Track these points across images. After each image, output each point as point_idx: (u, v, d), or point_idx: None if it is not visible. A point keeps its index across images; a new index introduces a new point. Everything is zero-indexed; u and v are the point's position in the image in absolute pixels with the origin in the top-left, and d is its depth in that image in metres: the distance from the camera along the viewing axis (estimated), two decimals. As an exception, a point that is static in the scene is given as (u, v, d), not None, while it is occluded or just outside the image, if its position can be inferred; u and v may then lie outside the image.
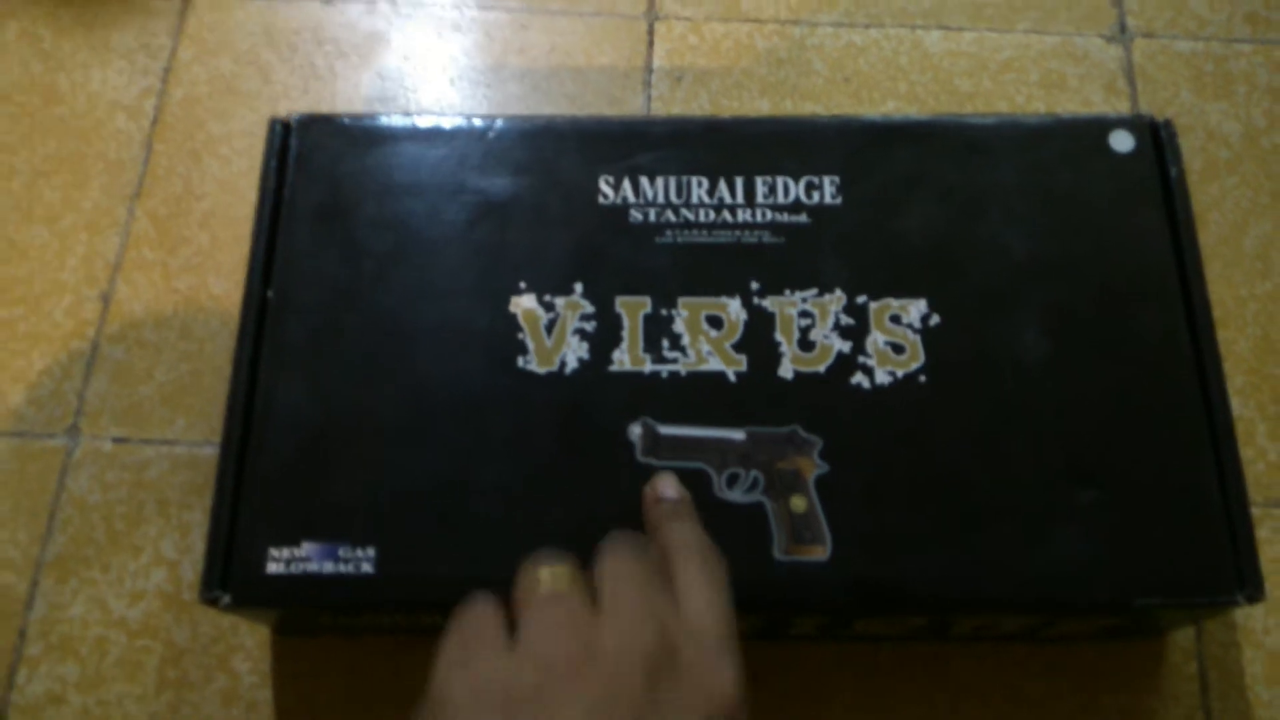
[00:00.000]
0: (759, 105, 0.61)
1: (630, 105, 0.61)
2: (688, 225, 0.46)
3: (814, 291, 0.45)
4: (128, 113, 0.60)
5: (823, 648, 0.48)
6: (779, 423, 0.42)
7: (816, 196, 0.46)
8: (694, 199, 0.46)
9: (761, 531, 0.41)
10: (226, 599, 0.40)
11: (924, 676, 0.48)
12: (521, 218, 0.46)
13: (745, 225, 0.46)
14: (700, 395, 0.43)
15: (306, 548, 0.41)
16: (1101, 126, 0.48)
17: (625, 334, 0.44)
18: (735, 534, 0.41)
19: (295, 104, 0.60)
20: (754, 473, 0.42)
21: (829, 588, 0.40)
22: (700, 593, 0.34)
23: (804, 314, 0.44)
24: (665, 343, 0.44)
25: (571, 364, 0.43)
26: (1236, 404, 0.53)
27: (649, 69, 0.62)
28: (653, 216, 0.46)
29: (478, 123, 0.48)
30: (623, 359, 0.44)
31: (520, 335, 0.44)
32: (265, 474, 0.42)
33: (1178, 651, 0.48)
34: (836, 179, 0.47)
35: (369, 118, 0.48)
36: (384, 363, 0.43)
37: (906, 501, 0.41)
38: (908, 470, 0.42)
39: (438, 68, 0.62)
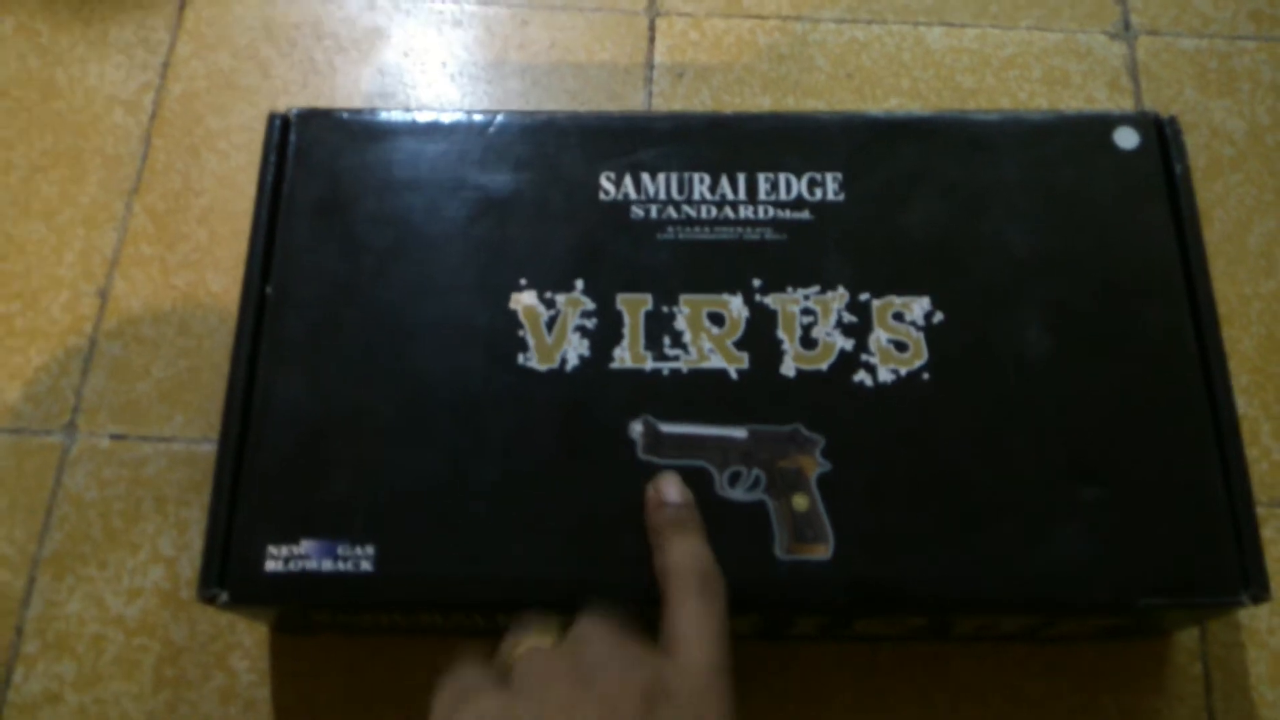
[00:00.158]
0: (761, 101, 0.60)
1: (631, 101, 0.60)
2: (689, 222, 0.46)
3: (816, 289, 0.44)
4: (126, 108, 0.60)
5: (823, 648, 0.48)
6: (781, 421, 0.42)
7: (819, 193, 0.46)
8: (696, 195, 0.46)
9: (763, 530, 0.41)
10: (224, 597, 0.40)
11: (924, 677, 0.48)
12: (522, 214, 0.46)
13: (747, 222, 0.46)
14: (702, 393, 0.43)
15: (305, 545, 0.40)
16: (1106, 123, 0.47)
17: (626, 331, 0.44)
18: (737, 533, 0.40)
19: (294, 99, 0.60)
20: (756, 471, 0.41)
21: (831, 587, 0.40)
22: (692, 626, 0.35)
23: (806, 311, 0.44)
24: (666, 340, 0.43)
25: (572, 361, 0.43)
26: (1241, 403, 0.52)
27: (650, 65, 0.61)
28: (654, 213, 0.46)
29: (478, 118, 0.48)
30: (624, 356, 0.43)
31: (521, 332, 0.44)
32: (264, 471, 0.41)
33: (1182, 652, 0.48)
34: (839, 175, 0.46)
35: (369, 113, 0.48)
36: (383, 359, 0.43)
37: (909, 500, 0.41)
38: (910, 469, 0.42)
39: (438, 63, 0.62)
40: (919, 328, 0.44)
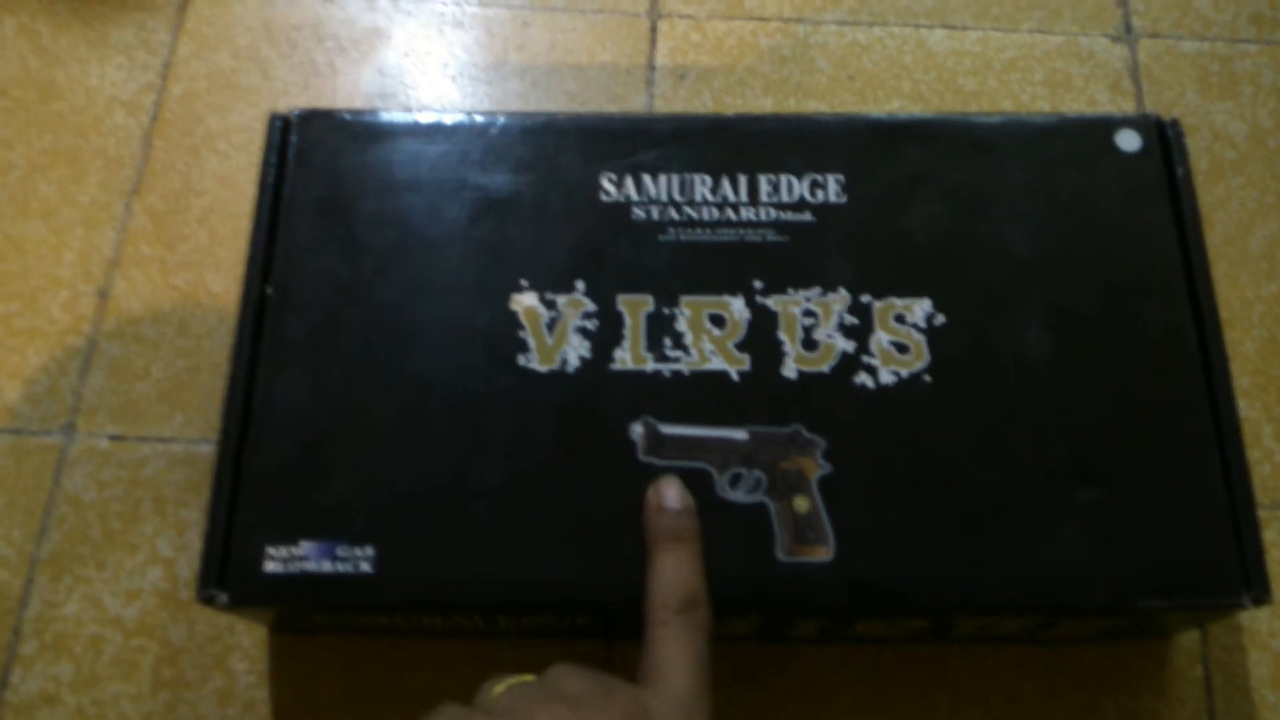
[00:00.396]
0: (762, 103, 0.60)
1: (632, 103, 0.60)
2: (690, 223, 0.45)
3: (818, 290, 0.44)
4: (126, 108, 0.60)
5: (823, 649, 0.48)
6: (782, 422, 0.42)
7: (820, 195, 0.46)
8: (697, 197, 0.46)
9: (764, 532, 0.41)
10: (223, 598, 0.40)
11: (924, 678, 0.48)
12: (523, 215, 0.46)
13: (748, 224, 0.45)
14: (703, 395, 0.43)
15: (304, 546, 0.40)
16: (1108, 126, 0.47)
17: (627, 332, 0.44)
18: (738, 534, 0.40)
19: (295, 100, 0.60)
20: (757, 473, 0.41)
21: (832, 588, 0.40)
22: (671, 656, 0.35)
23: (807, 313, 0.44)
24: (667, 341, 0.43)
25: (573, 362, 0.43)
26: (1243, 405, 0.52)
27: (651, 67, 0.61)
28: (655, 214, 0.46)
29: (479, 119, 0.48)
30: (624, 358, 0.43)
31: (521, 333, 0.44)
32: (263, 472, 0.41)
33: (1182, 654, 0.48)
34: (841, 177, 0.46)
35: (369, 114, 0.48)
36: (384, 360, 0.43)
37: (910, 502, 0.41)
38: (911, 470, 0.42)
39: (438, 64, 0.61)
40: (920, 330, 0.44)
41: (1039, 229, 0.45)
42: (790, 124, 0.49)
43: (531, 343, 0.43)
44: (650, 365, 0.43)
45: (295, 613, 0.44)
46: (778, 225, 0.45)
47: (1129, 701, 0.47)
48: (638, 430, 0.42)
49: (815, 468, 0.41)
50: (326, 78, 0.61)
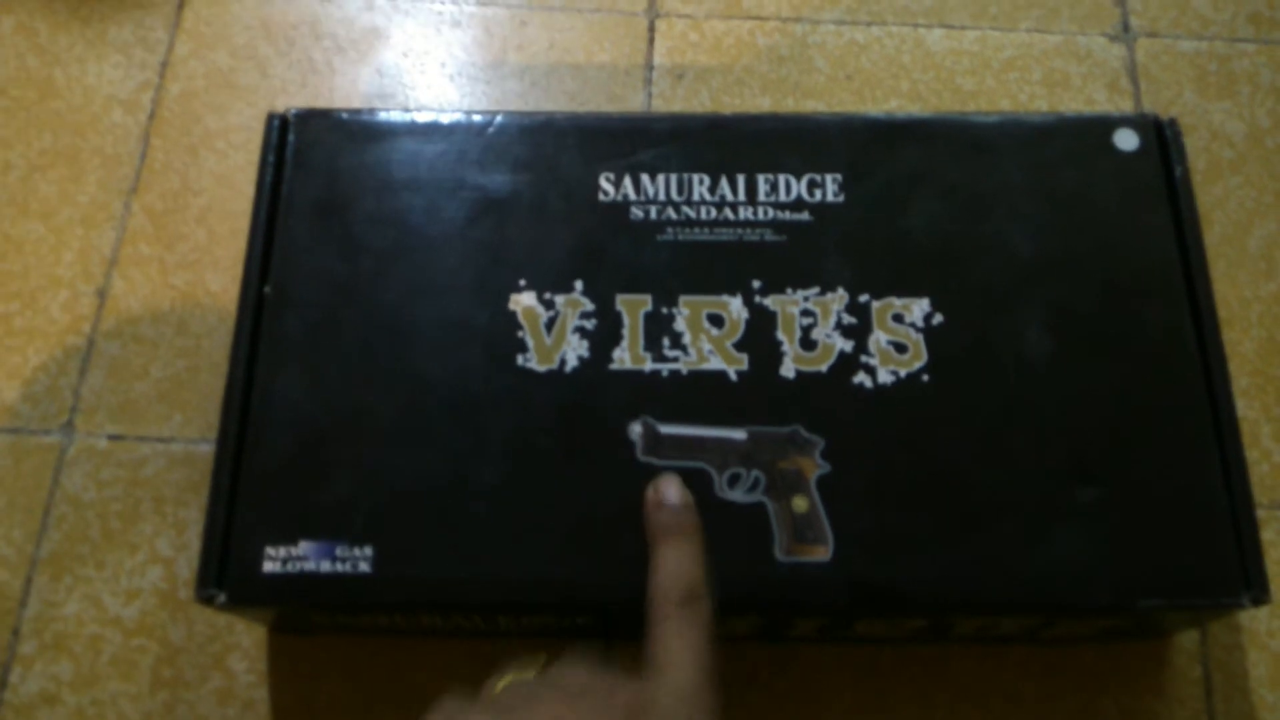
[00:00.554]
0: (760, 103, 0.60)
1: (631, 102, 0.60)
2: (689, 223, 0.45)
3: (816, 290, 0.44)
4: (124, 107, 0.60)
5: (822, 649, 0.48)
6: (780, 422, 0.42)
7: (819, 194, 0.46)
8: (695, 196, 0.46)
9: (763, 532, 0.41)
10: (222, 598, 0.40)
11: (924, 678, 0.48)
12: (521, 214, 0.46)
13: (747, 223, 0.45)
14: (701, 394, 0.43)
15: (303, 546, 0.40)
16: (1106, 125, 0.47)
17: (626, 332, 0.44)
18: (736, 534, 0.40)
19: (293, 99, 0.60)
20: (755, 472, 0.41)
21: (831, 588, 0.40)
22: (674, 649, 0.35)
23: (806, 313, 0.44)
24: (666, 341, 0.43)
25: (571, 362, 0.43)
26: (1241, 405, 0.52)
27: (650, 66, 0.61)
28: (654, 214, 0.46)
29: (477, 119, 0.48)
30: (623, 357, 0.43)
31: (520, 333, 0.44)
32: (262, 472, 0.41)
33: (1181, 654, 0.48)
34: (839, 177, 0.46)
35: (367, 113, 0.48)
36: (382, 360, 0.43)
37: (909, 501, 0.41)
38: (910, 470, 0.42)
39: (436, 63, 0.61)
40: (918, 329, 0.44)
41: (1037, 228, 0.45)
42: (788, 123, 0.49)
43: (530, 342, 0.43)
44: (649, 365, 0.43)
45: (294, 612, 0.44)
46: (776, 225, 0.45)
47: (1128, 701, 0.47)
48: (636, 430, 0.42)
49: (814, 467, 0.41)
50: (324, 77, 0.61)
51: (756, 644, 0.47)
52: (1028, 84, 0.61)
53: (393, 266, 0.45)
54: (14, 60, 0.61)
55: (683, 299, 0.44)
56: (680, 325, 0.44)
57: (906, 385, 0.43)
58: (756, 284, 0.44)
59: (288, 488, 0.41)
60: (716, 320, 0.44)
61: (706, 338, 0.43)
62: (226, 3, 0.63)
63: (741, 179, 0.46)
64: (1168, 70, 0.62)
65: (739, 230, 0.45)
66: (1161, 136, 0.47)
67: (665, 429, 0.42)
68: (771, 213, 0.46)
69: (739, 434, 0.42)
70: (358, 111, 0.48)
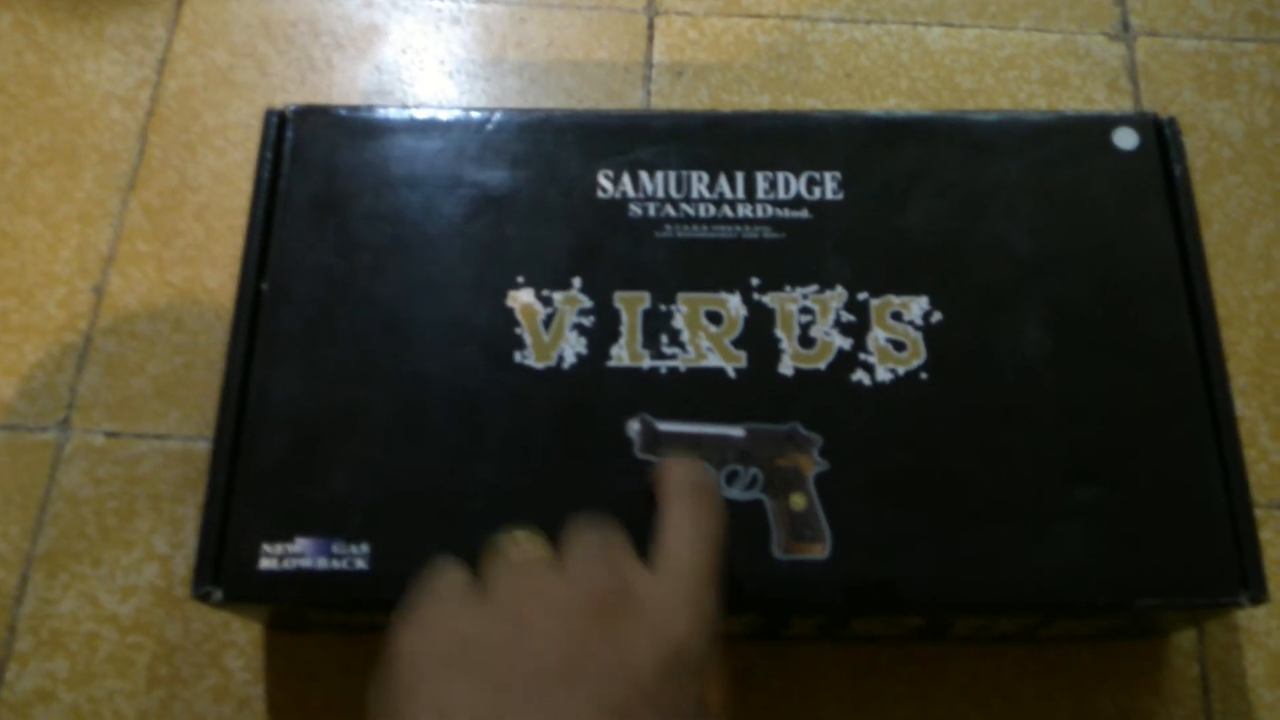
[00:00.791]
0: (759, 100, 0.60)
1: (629, 100, 0.60)
2: (688, 220, 0.45)
3: (815, 288, 0.44)
4: (122, 104, 0.59)
5: (820, 648, 0.48)
6: (779, 420, 0.42)
7: (818, 192, 0.46)
8: (694, 194, 0.46)
9: (761, 529, 0.40)
10: (219, 595, 0.40)
11: (921, 678, 0.47)
12: (520, 212, 0.46)
13: (746, 221, 0.45)
14: (699, 392, 0.42)
15: (300, 543, 0.40)
16: (1105, 124, 0.47)
17: (624, 329, 0.43)
18: (734, 532, 0.40)
19: (291, 96, 0.60)
20: (753, 470, 0.41)
21: (829, 586, 0.40)
22: (677, 537, 0.35)
23: (804, 310, 0.44)
24: (664, 338, 0.43)
25: (569, 359, 0.43)
26: (1239, 405, 0.52)
27: (649, 63, 0.61)
28: (652, 211, 0.46)
29: (476, 116, 0.47)
30: (621, 355, 0.43)
31: (518, 330, 0.43)
32: (259, 469, 0.41)
33: (1179, 653, 0.48)
34: (838, 175, 0.46)
35: (366, 110, 0.48)
36: (380, 357, 0.43)
37: (907, 500, 0.41)
38: (908, 468, 0.41)
39: (435, 60, 0.61)
40: (917, 327, 0.44)
41: (1036, 227, 0.45)
42: (787, 121, 0.49)
43: (528, 340, 0.43)
44: (647, 362, 0.43)
45: (291, 610, 0.44)
46: (775, 222, 0.45)
47: (1126, 701, 0.47)
48: (634, 427, 0.42)
49: (812, 465, 0.41)
50: (323, 74, 0.61)
51: (754, 642, 0.47)
52: (1027, 82, 0.61)
53: (390, 263, 0.45)
54: (12, 57, 0.61)
55: (681, 296, 0.44)
56: (679, 322, 0.44)
57: (905, 383, 0.43)
58: (755, 281, 0.44)
59: (284, 485, 0.41)
60: (715, 318, 0.44)
61: (705, 335, 0.43)
62: (225, 0, 0.63)
63: (740, 176, 0.46)
64: (1167, 69, 0.62)
65: (738, 228, 0.45)
66: (1161, 135, 0.47)
67: (663, 426, 0.42)
68: (770, 210, 0.46)
69: (737, 431, 0.42)
70: (356, 108, 0.48)
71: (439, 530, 0.40)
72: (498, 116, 0.47)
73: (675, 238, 0.45)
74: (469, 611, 0.32)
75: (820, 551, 0.40)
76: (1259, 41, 0.62)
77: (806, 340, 0.43)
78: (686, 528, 0.35)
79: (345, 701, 0.47)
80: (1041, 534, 0.40)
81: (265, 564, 0.40)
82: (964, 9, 0.63)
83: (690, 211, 0.46)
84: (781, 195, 0.46)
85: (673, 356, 0.43)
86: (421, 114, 0.48)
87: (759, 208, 0.46)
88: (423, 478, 0.41)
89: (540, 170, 0.46)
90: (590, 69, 0.61)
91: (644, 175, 0.46)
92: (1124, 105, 0.60)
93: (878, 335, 0.43)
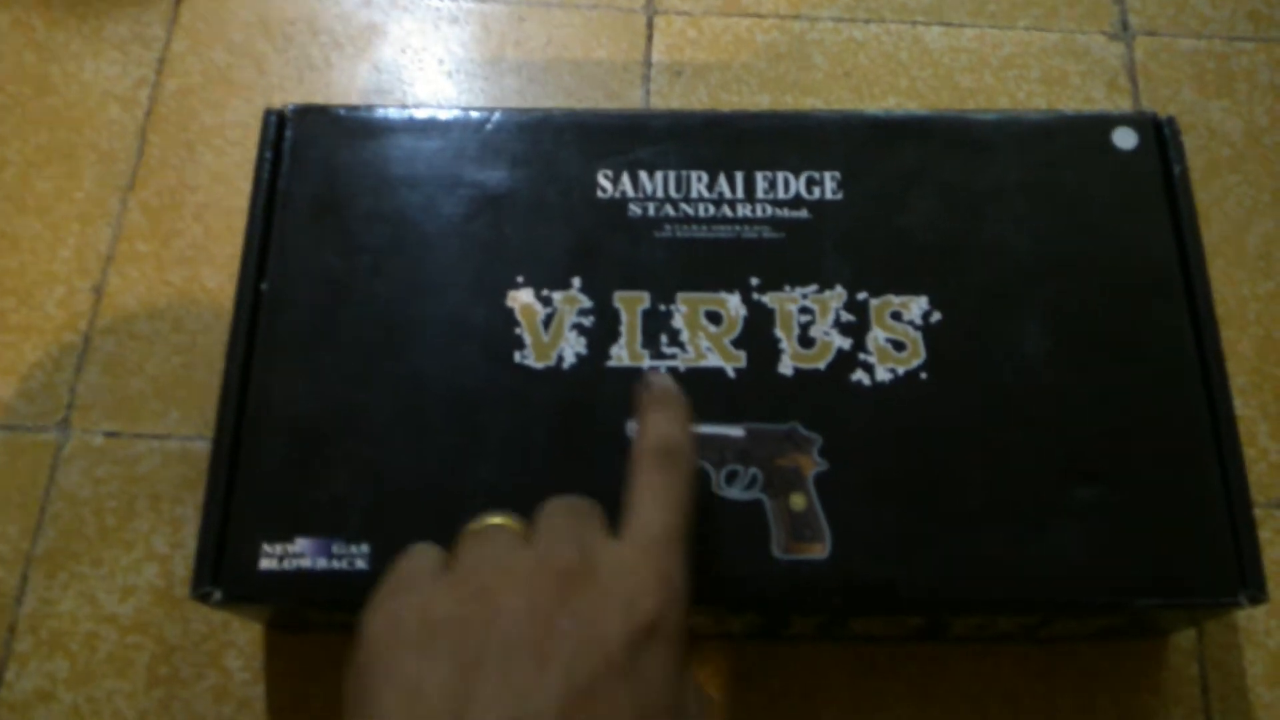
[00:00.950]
0: (759, 100, 0.60)
1: (629, 99, 0.60)
2: (687, 220, 0.45)
3: (814, 287, 0.44)
4: (121, 103, 0.59)
5: (819, 648, 0.48)
6: (778, 419, 0.42)
7: (817, 192, 0.46)
8: (694, 193, 0.46)
9: (760, 529, 0.40)
10: (218, 595, 0.40)
11: (921, 677, 0.47)
12: (519, 211, 0.46)
13: (745, 220, 0.45)
14: (699, 391, 0.42)
15: (300, 544, 0.40)
16: (1105, 123, 0.47)
17: (624, 329, 0.43)
18: (734, 531, 0.40)
19: (290, 95, 0.60)
20: (753, 470, 0.41)
21: (828, 586, 0.40)
22: (646, 504, 0.35)
23: (804, 310, 0.44)
24: (664, 338, 0.43)
25: (569, 359, 0.43)
26: (1238, 404, 0.52)
27: (648, 63, 0.61)
28: (652, 211, 0.46)
29: (475, 115, 0.47)
30: (621, 354, 0.43)
31: (517, 330, 0.43)
32: (258, 469, 0.41)
33: (1178, 653, 0.48)
34: (837, 174, 0.46)
35: (365, 109, 0.48)
36: (379, 357, 0.43)
37: (907, 499, 0.41)
38: (908, 468, 0.41)
39: (434, 60, 0.61)
40: (917, 327, 0.44)
41: (1036, 226, 0.45)
42: (787, 121, 0.49)
43: (528, 339, 0.43)
44: (647, 362, 0.43)
45: (290, 610, 0.44)
46: (774, 222, 0.45)
47: (1126, 700, 0.47)
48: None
49: (811, 465, 0.41)
50: (322, 73, 0.61)
51: (753, 642, 0.47)
52: (1026, 82, 0.61)
53: (390, 263, 0.44)
54: (10, 56, 0.61)
55: (681, 296, 0.44)
56: (678, 322, 0.44)
57: (905, 383, 0.43)
58: (755, 281, 0.44)
59: (284, 485, 0.41)
60: (714, 317, 0.44)
61: (704, 335, 0.43)
62: (224, -1, 0.63)
63: (740, 176, 0.46)
64: (1166, 68, 0.62)
65: (737, 227, 0.45)
66: (1160, 135, 0.47)
67: (663, 426, 0.42)
68: (770, 210, 0.46)
69: (737, 431, 0.42)
70: (355, 108, 0.48)
71: (439, 530, 0.40)
72: (497, 116, 0.47)
73: (675, 237, 0.45)
74: (437, 592, 0.32)
75: (820, 551, 0.40)
76: (1258, 41, 0.62)
77: (806, 340, 0.43)
78: (653, 493, 0.35)
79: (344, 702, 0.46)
80: (1040, 533, 0.41)
81: (265, 564, 0.40)
82: (963, 8, 0.63)
83: (690, 211, 0.46)
84: (781, 195, 0.46)
85: (672, 356, 0.43)
86: (420, 113, 0.47)
87: (758, 207, 0.46)
88: (423, 477, 0.41)
89: (539, 170, 0.46)
90: (589, 68, 0.61)
91: (643, 175, 0.46)
92: (1123, 104, 0.60)
93: (877, 335, 0.43)
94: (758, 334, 0.43)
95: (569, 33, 0.62)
